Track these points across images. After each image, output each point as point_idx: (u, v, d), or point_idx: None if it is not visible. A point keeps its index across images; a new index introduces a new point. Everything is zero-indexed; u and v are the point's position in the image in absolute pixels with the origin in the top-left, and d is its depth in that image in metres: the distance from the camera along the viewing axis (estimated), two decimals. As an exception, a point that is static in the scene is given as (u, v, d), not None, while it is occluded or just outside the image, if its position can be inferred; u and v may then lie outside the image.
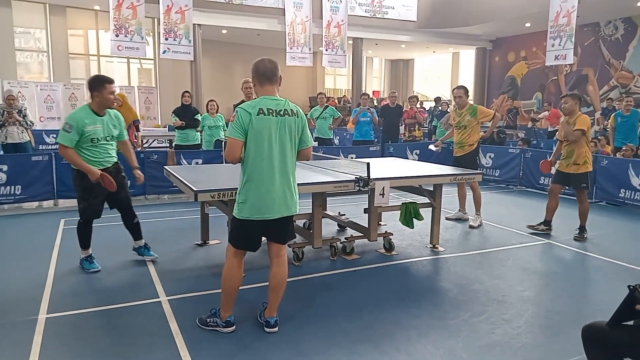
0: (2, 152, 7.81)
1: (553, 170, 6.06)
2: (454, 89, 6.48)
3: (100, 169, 4.23)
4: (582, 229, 5.67)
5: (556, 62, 13.28)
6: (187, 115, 8.36)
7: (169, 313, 3.58)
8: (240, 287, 3.95)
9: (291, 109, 3.14)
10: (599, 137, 10.54)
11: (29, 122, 7.85)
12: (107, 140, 4.36)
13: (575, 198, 5.86)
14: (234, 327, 3.28)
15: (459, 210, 6.53)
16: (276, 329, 3.29)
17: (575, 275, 4.53)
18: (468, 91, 6.61)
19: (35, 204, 7.34)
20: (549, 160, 6.03)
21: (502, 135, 11.33)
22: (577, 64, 16.10)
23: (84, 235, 4.48)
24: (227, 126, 7.49)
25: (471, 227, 6.03)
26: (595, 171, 7.90)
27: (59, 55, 15.45)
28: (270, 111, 3.04)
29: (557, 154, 5.90)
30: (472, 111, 6.17)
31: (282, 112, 3.08)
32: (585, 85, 16.23)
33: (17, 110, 7.65)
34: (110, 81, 4.29)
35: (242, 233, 3.19)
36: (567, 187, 5.80)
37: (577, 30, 12.79)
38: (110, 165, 4.40)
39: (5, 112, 7.53)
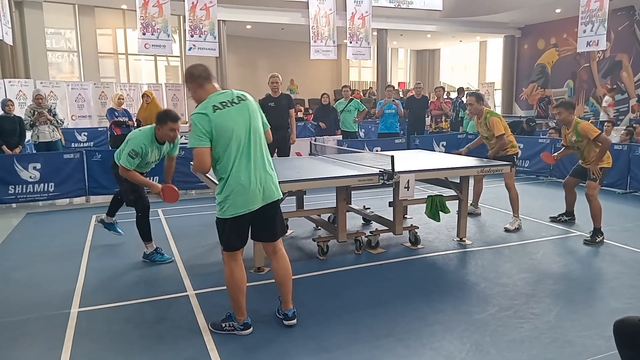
0: (34, 151, 8.04)
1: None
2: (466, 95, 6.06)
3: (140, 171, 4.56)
4: (595, 231, 5.11)
5: (588, 48, 12.87)
6: None
7: (196, 307, 3.63)
8: (263, 282, 4.00)
9: (242, 94, 3.09)
10: (634, 125, 10.19)
11: (59, 121, 8.06)
12: (152, 165, 4.64)
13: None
14: (252, 328, 3.23)
15: (471, 204, 6.33)
16: (294, 320, 3.29)
17: (607, 269, 4.40)
18: (482, 97, 6.00)
19: (68, 200, 7.55)
20: (553, 155, 5.84)
21: (531, 124, 11.05)
22: (611, 49, 15.56)
23: (146, 227, 4.64)
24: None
25: (507, 230, 5.57)
26: (629, 161, 7.67)
27: (89, 54, 15.79)
28: (224, 103, 2.98)
29: (563, 154, 5.71)
30: (486, 122, 5.71)
31: (236, 100, 3.03)
32: (619, 71, 15.68)
33: (47, 110, 7.87)
34: (174, 119, 4.34)
35: (231, 232, 3.08)
36: (584, 182, 5.39)
37: (610, 14, 12.35)
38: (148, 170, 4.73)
39: (36, 112, 7.74)
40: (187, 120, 15.06)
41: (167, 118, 4.32)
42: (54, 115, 7.96)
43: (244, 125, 3.01)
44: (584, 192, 5.21)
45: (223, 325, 3.24)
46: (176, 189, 4.52)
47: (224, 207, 3.03)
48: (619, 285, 3.99)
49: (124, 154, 4.30)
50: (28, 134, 8.06)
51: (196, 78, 3.05)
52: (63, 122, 8.45)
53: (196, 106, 3.04)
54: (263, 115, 3.23)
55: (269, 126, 3.29)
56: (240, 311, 3.21)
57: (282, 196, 3.24)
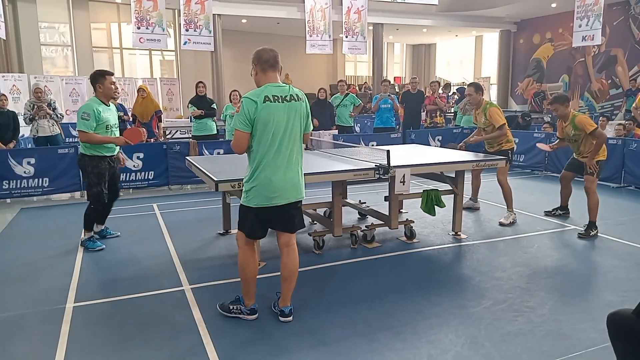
0: (34, 146, 7.99)
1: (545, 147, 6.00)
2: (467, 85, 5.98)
3: (110, 155, 4.76)
4: (590, 225, 5.13)
5: (583, 43, 12.92)
6: (203, 105, 8.40)
7: (192, 301, 3.64)
8: (261, 276, 4.01)
9: (296, 94, 3.13)
10: (630, 119, 10.22)
11: (59, 115, 8.01)
12: (114, 129, 4.76)
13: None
14: (257, 315, 3.32)
15: (470, 199, 6.38)
16: (290, 318, 3.30)
17: (602, 262, 4.43)
18: (481, 88, 5.97)
19: (63, 195, 7.51)
20: (549, 145, 5.87)
21: (527, 119, 11.08)
22: (606, 44, 15.61)
23: (91, 219, 4.88)
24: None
25: (501, 224, 5.57)
26: (623, 155, 7.70)
27: (83, 48, 15.70)
28: (276, 98, 3.03)
29: (559, 146, 5.75)
30: (485, 112, 5.70)
31: (288, 98, 3.07)
32: (614, 66, 15.73)
33: (46, 104, 7.81)
34: (110, 73, 4.70)
35: (252, 221, 3.18)
36: (579, 176, 5.45)
37: (605, 9, 12.39)
38: (115, 153, 4.88)
39: (36, 106, 7.69)
40: (181, 114, 15.05)
41: (102, 74, 4.66)
42: (54, 109, 7.90)
43: (285, 124, 3.06)
44: (583, 186, 5.24)
45: (231, 307, 3.32)
46: (137, 129, 4.78)
47: (249, 197, 3.13)
48: (613, 279, 4.02)
49: (78, 121, 4.56)
50: (26, 129, 8.01)
51: (263, 62, 3.11)
52: (63, 116, 8.39)
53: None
54: (310, 117, 3.28)
55: (311, 129, 3.34)
56: (249, 295, 3.29)
57: (304, 197, 3.30)
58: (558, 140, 5.67)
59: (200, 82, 8.66)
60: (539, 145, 6.08)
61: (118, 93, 4.83)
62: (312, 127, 3.35)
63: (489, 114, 5.64)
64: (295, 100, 3.10)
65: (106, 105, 4.71)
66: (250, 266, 3.25)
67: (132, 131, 4.77)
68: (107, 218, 5.26)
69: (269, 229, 3.31)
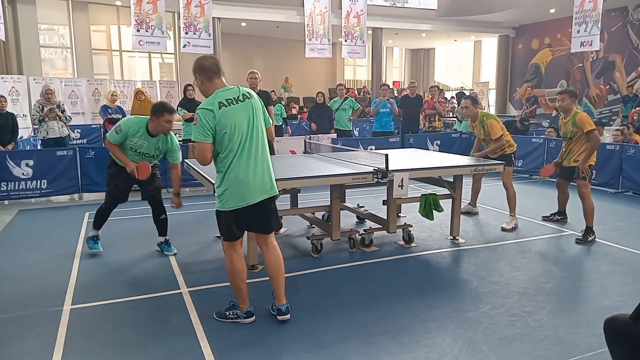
0: (41, 147, 7.97)
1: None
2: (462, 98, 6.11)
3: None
4: (587, 230, 5.14)
5: (582, 48, 12.93)
6: (193, 108, 8.31)
7: (189, 304, 3.63)
8: (256, 280, 4.01)
9: (247, 92, 3.17)
10: (627, 124, 10.24)
11: (67, 117, 8.02)
12: (145, 156, 4.57)
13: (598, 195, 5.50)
14: (254, 317, 3.32)
15: (469, 204, 6.39)
16: (288, 315, 3.31)
17: (599, 267, 4.43)
18: (478, 100, 6.05)
19: (61, 197, 7.51)
20: (552, 164, 5.74)
21: (525, 123, 11.10)
22: (604, 50, 15.66)
23: (100, 217, 4.81)
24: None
25: (503, 229, 5.57)
26: (621, 161, 7.72)
27: (82, 51, 15.69)
28: (230, 101, 3.06)
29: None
30: (483, 125, 5.70)
31: (241, 98, 3.10)
32: (612, 72, 15.78)
33: (55, 105, 7.82)
34: (171, 111, 4.36)
35: (229, 224, 3.18)
36: (573, 182, 5.41)
37: (603, 15, 12.42)
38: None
39: (46, 108, 7.69)
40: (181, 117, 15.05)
41: (164, 109, 4.35)
42: (63, 111, 7.91)
43: (247, 123, 3.09)
44: (577, 192, 5.24)
45: (227, 313, 3.32)
46: (149, 166, 4.57)
47: (222, 200, 3.13)
48: (610, 284, 4.02)
49: (112, 129, 4.48)
50: (25, 131, 7.99)
51: (207, 71, 3.12)
52: (71, 118, 8.39)
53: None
54: (267, 112, 3.31)
55: (271, 123, 3.37)
56: (242, 299, 3.29)
57: (278, 193, 3.31)
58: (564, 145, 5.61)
59: (189, 85, 8.59)
60: (542, 173, 5.92)
61: (168, 131, 4.46)
62: (271, 121, 3.37)
63: (488, 126, 5.65)
64: (248, 98, 3.14)
65: (150, 134, 4.43)
66: (238, 270, 3.25)
67: (145, 166, 4.52)
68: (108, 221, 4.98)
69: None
